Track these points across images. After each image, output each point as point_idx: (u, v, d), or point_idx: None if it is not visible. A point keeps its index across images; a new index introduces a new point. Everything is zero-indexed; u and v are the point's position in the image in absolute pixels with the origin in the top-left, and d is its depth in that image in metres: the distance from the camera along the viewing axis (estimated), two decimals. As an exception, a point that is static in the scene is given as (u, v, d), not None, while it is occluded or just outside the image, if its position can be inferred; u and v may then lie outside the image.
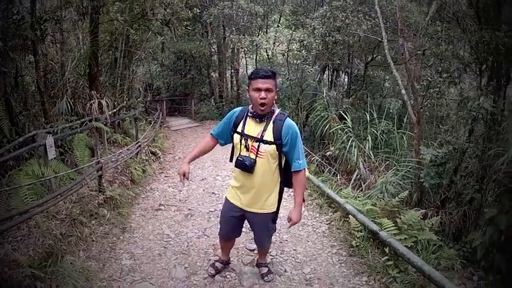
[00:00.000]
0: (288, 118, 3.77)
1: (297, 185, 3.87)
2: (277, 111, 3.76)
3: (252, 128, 3.72)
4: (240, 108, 3.93)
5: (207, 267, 4.71)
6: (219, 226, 4.43)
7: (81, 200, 5.95)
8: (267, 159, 3.72)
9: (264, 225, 4.14)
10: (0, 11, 6.48)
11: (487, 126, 6.57)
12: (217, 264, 4.72)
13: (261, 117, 3.69)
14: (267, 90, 3.53)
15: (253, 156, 3.70)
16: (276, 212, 4.08)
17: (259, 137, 3.67)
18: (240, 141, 3.72)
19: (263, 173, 3.76)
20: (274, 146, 3.67)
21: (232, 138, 3.83)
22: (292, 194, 4.22)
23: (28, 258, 4.03)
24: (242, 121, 3.75)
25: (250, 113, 3.73)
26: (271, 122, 3.69)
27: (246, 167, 3.69)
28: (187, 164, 4.01)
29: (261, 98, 3.53)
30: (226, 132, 3.92)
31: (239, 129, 3.76)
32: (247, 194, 3.90)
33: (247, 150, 3.71)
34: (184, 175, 3.95)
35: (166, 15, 11.37)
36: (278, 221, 6.40)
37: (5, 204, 4.68)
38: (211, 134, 4.07)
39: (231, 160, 3.98)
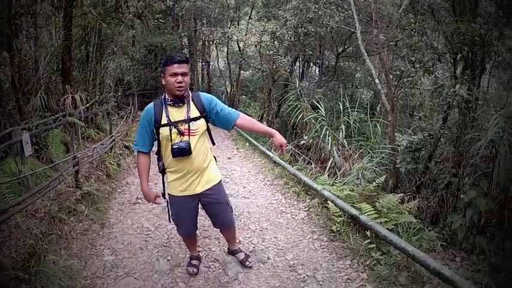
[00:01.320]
0: (201, 93, 4.02)
1: (250, 121, 4.14)
2: (190, 93, 3.86)
3: (176, 113, 3.75)
4: (150, 105, 3.86)
5: (186, 268, 4.61)
6: (178, 226, 4.33)
7: (59, 196, 5.86)
8: (199, 137, 3.81)
9: (223, 199, 4.18)
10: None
11: (462, 113, 6.72)
12: (194, 261, 4.65)
13: (182, 100, 3.74)
14: (183, 74, 3.61)
15: (186, 138, 3.72)
16: None
17: (186, 117, 3.73)
18: (170, 131, 3.69)
19: (199, 149, 3.83)
20: (202, 120, 3.81)
21: (158, 134, 3.77)
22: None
23: (11, 260, 3.96)
24: (164, 113, 3.73)
25: (170, 101, 3.75)
26: (191, 101, 3.81)
27: (184, 150, 3.68)
28: (148, 189, 4.02)
29: (178, 82, 3.59)
30: (150, 137, 3.84)
31: (164, 121, 3.72)
32: (193, 177, 3.88)
33: (182, 135, 3.71)
34: (155, 199, 4.03)
35: (139, 8, 11.27)
36: (256, 209, 6.49)
37: (-15, 205, 4.59)
38: (139, 151, 3.95)
39: (159, 159, 4.00)
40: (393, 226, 4.97)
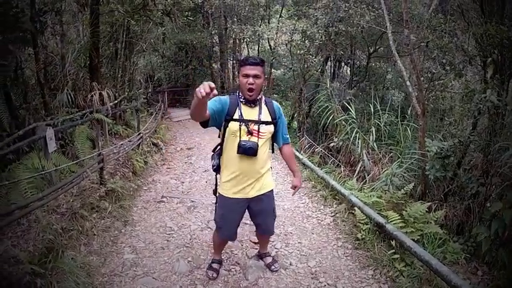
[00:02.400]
0: (273, 100, 4.04)
1: (290, 156, 4.29)
2: (263, 97, 3.90)
3: (248, 112, 3.77)
4: (226, 96, 3.86)
5: (206, 271, 4.56)
6: (220, 228, 4.24)
7: (82, 193, 5.89)
8: (265, 141, 3.85)
9: (271, 207, 4.21)
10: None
11: (491, 120, 6.50)
12: (215, 265, 4.62)
13: (254, 102, 3.77)
14: (255, 76, 3.61)
15: (254, 139, 3.75)
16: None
17: (257, 119, 3.77)
18: (240, 127, 3.72)
19: (262, 153, 3.86)
20: (272, 126, 3.86)
21: (226, 128, 3.78)
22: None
23: (28, 254, 3.97)
24: (237, 108, 3.76)
25: (243, 99, 3.77)
26: (264, 104, 3.86)
27: (251, 150, 3.70)
28: None
29: (248, 84, 3.61)
30: (217, 114, 3.69)
31: (236, 116, 3.74)
32: (250, 181, 3.89)
33: (250, 134, 3.74)
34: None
35: (168, 5, 11.28)
36: (282, 213, 6.39)
37: (5, 199, 4.61)
38: None
39: (216, 157, 4.03)
40: (419, 237, 4.89)
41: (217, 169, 4.05)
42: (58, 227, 4.68)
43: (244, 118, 3.73)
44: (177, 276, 4.54)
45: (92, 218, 5.49)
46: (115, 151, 7.78)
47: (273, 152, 4.15)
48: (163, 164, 9.98)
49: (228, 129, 3.76)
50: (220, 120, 3.75)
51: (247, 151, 3.69)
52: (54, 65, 8.70)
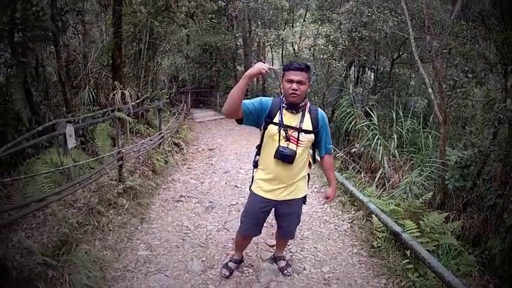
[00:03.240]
0: (319, 108, 3.96)
1: (330, 166, 4.20)
2: (309, 103, 3.83)
3: (289, 118, 3.71)
4: (270, 98, 3.85)
5: (220, 268, 4.58)
6: (242, 223, 4.25)
7: (100, 189, 5.95)
8: (304, 149, 3.79)
9: (296, 214, 4.17)
10: (20, 2, 6.49)
11: (511, 130, 6.38)
12: (231, 264, 4.62)
13: (296, 108, 3.70)
14: (299, 82, 3.54)
15: (293, 146, 3.70)
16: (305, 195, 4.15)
17: (298, 127, 3.70)
18: (279, 132, 3.68)
19: (299, 161, 3.80)
20: (312, 135, 3.79)
21: (265, 129, 3.75)
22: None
23: (41, 246, 4.02)
24: (278, 112, 3.71)
25: (285, 105, 3.70)
26: (307, 112, 3.78)
27: (288, 157, 3.67)
28: None
29: (292, 89, 3.54)
30: (254, 113, 3.70)
31: (276, 119, 3.70)
32: (283, 185, 3.86)
33: (287, 140, 3.69)
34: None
35: (191, 8, 11.33)
36: (301, 217, 6.36)
37: (21, 192, 4.67)
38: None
39: (258, 154, 3.98)
40: (434, 247, 4.85)
41: (255, 165, 4.04)
42: (74, 221, 4.74)
43: (284, 123, 3.69)
44: (189, 274, 4.55)
45: (108, 214, 5.55)
46: (135, 149, 7.84)
47: (314, 162, 4.14)
48: (184, 164, 10.02)
49: (266, 131, 3.74)
50: (260, 120, 3.74)
51: (285, 158, 3.67)
52: (76, 63, 8.82)
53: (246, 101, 3.64)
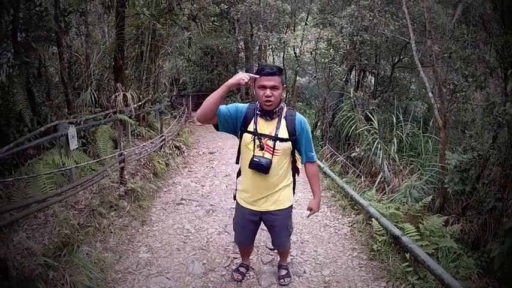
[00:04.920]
0: (297, 113, 3.72)
1: (313, 176, 3.94)
2: (285, 107, 3.67)
3: (263, 126, 3.56)
4: (245, 105, 3.69)
5: (232, 273, 4.53)
6: (235, 233, 4.27)
7: (102, 191, 5.95)
8: (281, 157, 3.62)
9: (284, 224, 3.96)
10: (23, 2, 6.50)
11: (510, 133, 6.39)
12: (242, 269, 4.56)
13: (271, 115, 3.55)
14: (273, 87, 3.38)
15: (268, 155, 3.55)
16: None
17: (273, 134, 3.55)
18: (254, 140, 3.54)
19: (278, 171, 3.65)
20: (289, 143, 3.60)
21: (241, 137, 3.64)
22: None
23: (43, 247, 4.02)
24: (253, 120, 3.56)
25: (259, 111, 3.56)
26: (283, 118, 3.60)
27: (262, 167, 3.53)
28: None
29: (265, 96, 3.39)
30: (230, 121, 3.58)
31: (250, 128, 3.56)
32: (262, 195, 3.72)
33: (262, 149, 3.54)
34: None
35: (193, 10, 11.33)
36: (300, 220, 6.34)
37: (22, 193, 4.66)
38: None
39: (237, 162, 3.86)
40: (433, 250, 4.81)
41: (238, 174, 3.95)
42: (75, 223, 4.75)
43: (258, 132, 3.54)
44: (190, 277, 4.55)
45: (109, 216, 5.56)
46: (137, 152, 7.84)
47: (297, 173, 3.99)
48: (185, 167, 10.03)
49: (242, 140, 3.63)
50: (235, 128, 3.63)
51: (259, 168, 3.55)
52: (78, 65, 8.84)
53: (222, 107, 3.53)
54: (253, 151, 3.55)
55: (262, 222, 3.98)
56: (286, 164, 3.72)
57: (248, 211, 3.82)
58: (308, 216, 4.38)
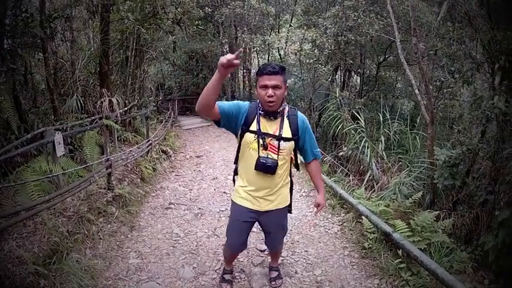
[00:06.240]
0: (298, 112, 3.68)
1: (317, 172, 3.90)
2: (287, 106, 3.61)
3: (266, 126, 3.48)
4: (247, 103, 3.56)
5: (220, 283, 4.44)
6: (228, 238, 4.09)
7: (90, 197, 5.92)
8: (284, 157, 3.57)
9: (280, 224, 3.95)
10: (9, 8, 6.47)
11: (499, 127, 6.46)
12: (227, 276, 4.47)
13: (274, 114, 3.46)
14: (275, 87, 3.29)
15: (274, 156, 3.48)
16: (290, 204, 3.93)
17: (277, 134, 3.48)
18: (257, 140, 3.45)
19: (281, 170, 3.60)
20: (292, 142, 3.56)
21: (241, 137, 3.53)
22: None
23: (33, 255, 4.00)
24: (256, 119, 3.45)
25: (262, 111, 3.46)
26: (286, 118, 3.54)
27: (270, 168, 3.47)
28: None
29: (268, 96, 3.29)
30: (231, 116, 3.44)
31: (253, 127, 3.45)
32: (265, 195, 3.65)
33: (266, 149, 3.46)
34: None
35: (178, 14, 11.34)
36: (290, 221, 6.35)
37: (11, 201, 4.64)
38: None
39: (236, 162, 3.79)
40: (426, 246, 4.84)
41: (236, 172, 3.86)
42: (64, 230, 4.72)
43: (262, 131, 3.45)
44: (181, 282, 4.54)
45: (98, 222, 5.53)
46: (123, 157, 7.80)
47: (297, 169, 3.97)
48: (172, 171, 10.00)
49: (243, 139, 3.51)
50: (236, 127, 3.50)
51: (266, 169, 3.47)
52: (64, 71, 8.79)
53: (224, 104, 3.41)
54: (258, 152, 3.48)
55: (257, 223, 3.94)
56: (287, 163, 3.68)
57: (246, 210, 3.72)
58: (316, 213, 4.41)
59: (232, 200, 3.87)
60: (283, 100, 3.50)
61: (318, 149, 3.81)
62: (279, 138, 3.48)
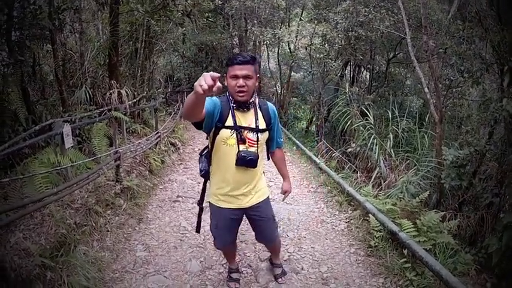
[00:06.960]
0: (268, 102, 3.65)
1: (282, 160, 4.01)
2: (257, 98, 3.50)
3: (241, 119, 3.38)
4: (217, 99, 3.34)
5: (227, 283, 4.38)
6: (215, 238, 3.97)
7: (98, 189, 5.92)
8: (261, 147, 3.53)
9: (269, 215, 3.86)
10: (17, 0, 6.45)
11: (507, 129, 6.40)
12: (234, 275, 4.42)
13: (246, 105, 3.37)
14: (246, 77, 3.20)
15: (253, 149, 3.41)
16: None
17: (253, 126, 3.41)
18: (237, 135, 3.33)
19: (260, 163, 3.54)
20: (267, 132, 3.53)
21: (216, 134, 3.36)
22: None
23: (39, 247, 4.00)
24: (230, 114, 3.34)
25: (234, 104, 3.34)
26: (258, 108, 3.48)
27: (252, 162, 3.38)
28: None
29: (238, 86, 3.20)
30: (210, 115, 3.21)
31: (229, 123, 3.33)
32: (244, 192, 3.57)
33: (244, 143, 3.37)
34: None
35: (188, 6, 11.28)
36: (297, 217, 6.34)
37: (19, 193, 4.64)
38: None
39: (205, 155, 3.66)
40: (431, 246, 4.80)
41: (205, 174, 3.71)
42: (72, 222, 4.73)
43: (239, 125, 3.35)
44: (188, 275, 4.55)
45: (106, 215, 5.54)
46: (132, 149, 7.80)
47: (268, 159, 3.89)
48: (181, 164, 10.01)
49: (218, 136, 3.36)
50: (211, 124, 3.31)
51: (248, 163, 3.38)
52: (73, 62, 8.78)
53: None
54: (238, 147, 3.37)
55: (247, 218, 3.88)
56: (263, 153, 3.68)
57: (230, 211, 3.64)
58: (283, 200, 4.29)
59: (210, 203, 3.74)
60: (255, 91, 3.44)
61: (282, 139, 3.90)
62: (257, 130, 3.42)
